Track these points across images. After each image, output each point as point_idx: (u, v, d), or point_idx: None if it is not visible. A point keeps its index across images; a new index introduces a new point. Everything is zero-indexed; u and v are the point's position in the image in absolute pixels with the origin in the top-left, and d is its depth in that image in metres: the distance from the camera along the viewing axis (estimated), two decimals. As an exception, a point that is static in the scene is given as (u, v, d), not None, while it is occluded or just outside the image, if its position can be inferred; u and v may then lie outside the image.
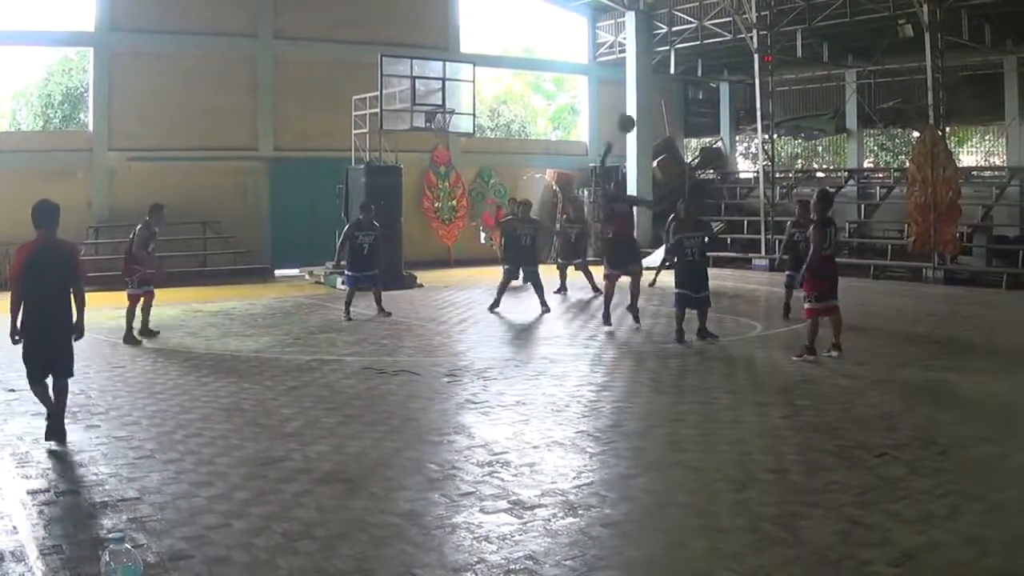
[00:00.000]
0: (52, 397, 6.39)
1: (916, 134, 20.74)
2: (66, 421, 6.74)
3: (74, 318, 6.41)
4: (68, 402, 7.38)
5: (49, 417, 6.34)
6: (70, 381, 6.53)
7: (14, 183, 15.78)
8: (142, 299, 10.85)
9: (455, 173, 22.10)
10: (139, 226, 10.88)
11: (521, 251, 13.60)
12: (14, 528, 4.66)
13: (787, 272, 12.05)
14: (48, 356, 6.36)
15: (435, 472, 5.67)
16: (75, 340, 6.50)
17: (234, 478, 5.49)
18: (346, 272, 13.18)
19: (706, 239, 10.96)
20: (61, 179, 17.29)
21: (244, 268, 18.13)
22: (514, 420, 6.98)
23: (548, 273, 14.86)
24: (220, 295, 15.40)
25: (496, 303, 13.29)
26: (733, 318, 12.43)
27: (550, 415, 7.15)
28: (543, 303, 13.15)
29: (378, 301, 12.94)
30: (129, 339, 10.61)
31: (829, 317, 9.28)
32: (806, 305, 9.36)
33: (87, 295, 6.60)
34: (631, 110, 21.70)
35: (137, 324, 10.84)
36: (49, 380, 6.40)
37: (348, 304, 12.72)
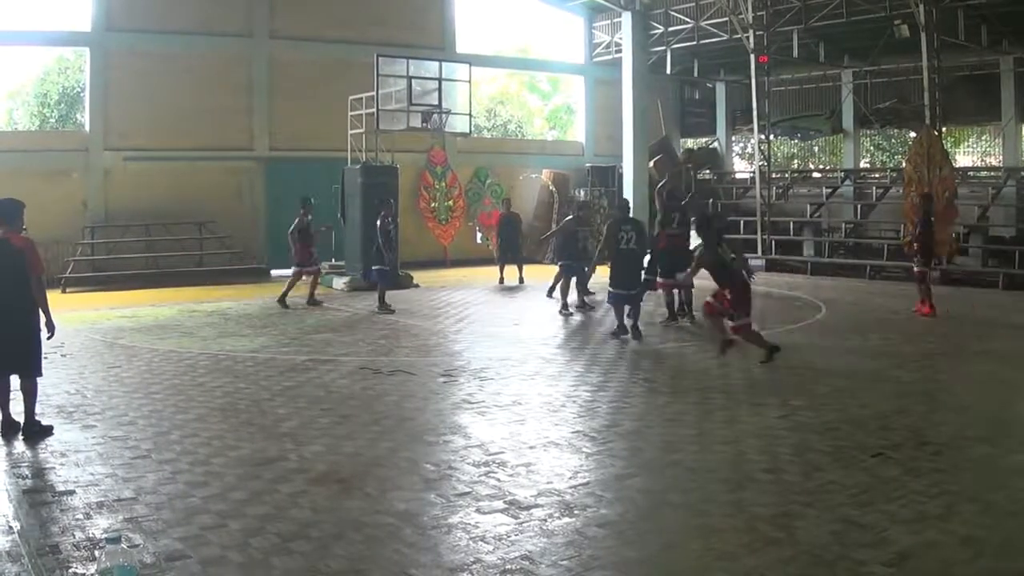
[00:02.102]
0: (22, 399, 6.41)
1: (912, 134, 20.79)
2: (62, 421, 6.76)
3: (35, 315, 6.40)
4: (63, 401, 7.42)
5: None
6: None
7: (9, 183, 15.68)
8: (312, 276, 14.02)
9: (451, 173, 22.10)
10: (298, 219, 13.73)
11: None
12: (10, 528, 4.66)
13: (561, 263, 13.32)
14: (6, 353, 6.37)
15: (431, 472, 5.68)
16: (48, 338, 6.50)
17: (230, 478, 5.49)
18: (379, 266, 13.51)
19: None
20: (57, 179, 17.32)
21: (240, 268, 18.10)
22: (510, 420, 6.98)
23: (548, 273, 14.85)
24: (216, 295, 15.38)
25: (577, 304, 13.25)
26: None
27: (546, 415, 7.16)
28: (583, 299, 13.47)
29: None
30: (282, 302, 13.58)
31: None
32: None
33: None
34: (627, 110, 21.73)
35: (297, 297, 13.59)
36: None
37: (383, 296, 13.37)
